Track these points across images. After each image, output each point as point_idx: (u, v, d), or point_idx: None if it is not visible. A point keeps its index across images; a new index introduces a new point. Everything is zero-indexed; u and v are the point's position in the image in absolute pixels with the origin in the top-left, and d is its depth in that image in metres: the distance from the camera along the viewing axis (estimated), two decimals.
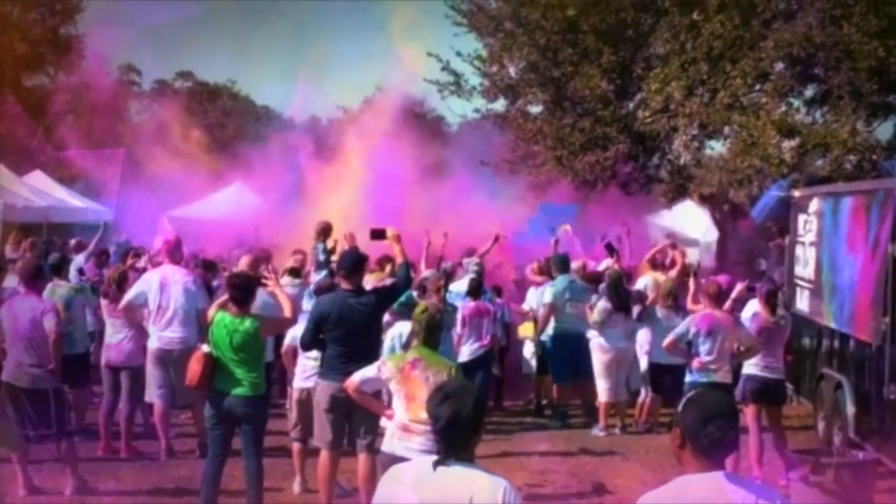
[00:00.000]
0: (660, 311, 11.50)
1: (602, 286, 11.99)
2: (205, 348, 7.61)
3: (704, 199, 22.75)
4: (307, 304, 9.50)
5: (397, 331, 9.14)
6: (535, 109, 22.32)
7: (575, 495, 8.87)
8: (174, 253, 10.24)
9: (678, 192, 21.95)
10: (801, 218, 11.67)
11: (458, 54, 21.57)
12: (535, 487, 8.79)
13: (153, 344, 9.78)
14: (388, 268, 11.05)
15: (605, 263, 13.42)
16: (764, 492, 3.34)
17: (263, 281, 8.29)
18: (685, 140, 21.32)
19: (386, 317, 8.83)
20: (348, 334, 7.66)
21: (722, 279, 11.47)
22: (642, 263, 13.27)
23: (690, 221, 22.27)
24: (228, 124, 42.44)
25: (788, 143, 19.63)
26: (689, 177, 22.71)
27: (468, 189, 17.39)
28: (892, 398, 8.54)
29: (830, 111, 19.81)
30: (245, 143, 23.40)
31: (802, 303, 11.45)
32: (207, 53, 79.37)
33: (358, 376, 6.62)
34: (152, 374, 9.77)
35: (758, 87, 20.21)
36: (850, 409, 9.35)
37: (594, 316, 11.62)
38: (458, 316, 11.23)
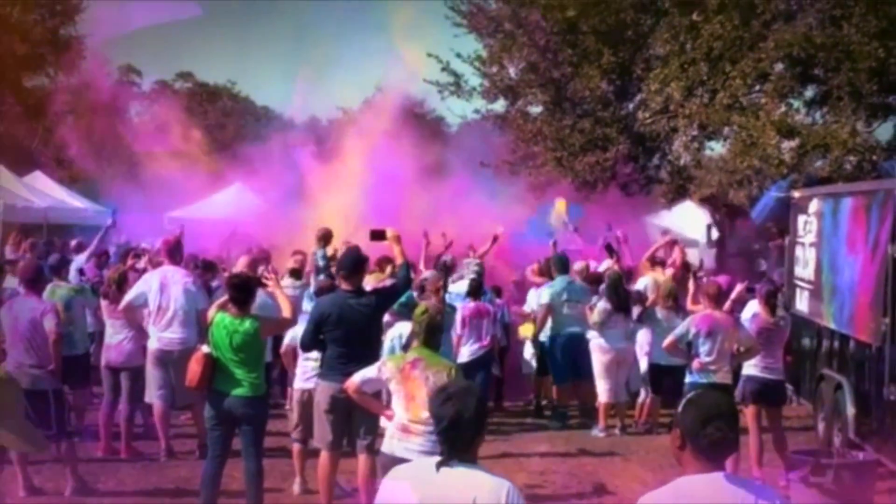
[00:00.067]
0: (660, 312, 11.50)
1: (602, 287, 11.99)
2: (205, 349, 7.61)
3: (705, 201, 22.79)
4: (307, 305, 9.51)
5: (397, 331, 9.15)
6: (535, 110, 22.36)
7: (575, 496, 8.87)
8: (174, 253, 10.24)
9: (678, 193, 21.98)
10: (801, 219, 11.68)
11: (458, 56, 21.62)
12: (535, 488, 8.79)
13: (153, 345, 9.78)
14: (388, 269, 11.05)
15: (606, 264, 13.43)
16: (764, 492, 3.34)
17: (264, 281, 8.29)
18: (685, 141, 21.37)
19: (386, 317, 8.83)
20: (348, 335, 7.66)
21: (722, 279, 11.47)
22: (642, 262, 13.28)
23: (690, 222, 22.28)
24: (228, 125, 42.47)
25: (788, 144, 19.66)
26: (689, 177, 22.75)
27: (468, 190, 17.39)
28: (892, 399, 8.54)
29: (830, 112, 19.85)
30: (245, 144, 23.39)
31: (802, 303, 11.45)
32: (207, 53, 79.41)
33: (358, 377, 6.63)
34: (152, 374, 9.77)
35: (757, 87, 20.23)
36: (850, 410, 9.35)
37: (594, 317, 11.62)
38: (458, 317, 11.23)
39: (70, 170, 29.17)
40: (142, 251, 12.49)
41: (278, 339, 9.44)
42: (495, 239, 13.48)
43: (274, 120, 37.69)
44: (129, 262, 11.83)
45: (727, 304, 9.30)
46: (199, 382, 7.54)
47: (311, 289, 11.06)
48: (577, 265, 13.06)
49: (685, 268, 12.59)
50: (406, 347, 7.89)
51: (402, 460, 5.36)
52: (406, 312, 8.54)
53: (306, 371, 8.59)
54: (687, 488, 3.27)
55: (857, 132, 19.15)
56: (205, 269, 11.77)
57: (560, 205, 17.20)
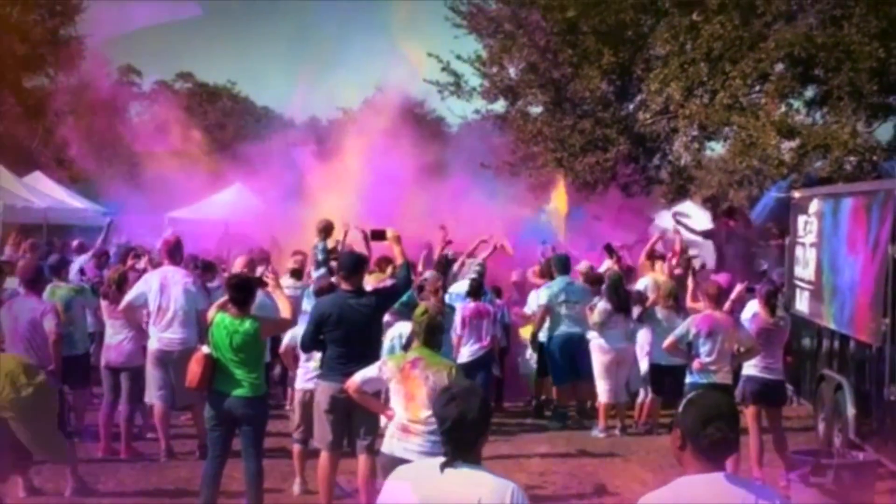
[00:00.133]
0: (660, 312, 11.50)
1: (603, 287, 12.00)
2: (205, 349, 7.61)
3: (706, 201, 22.81)
4: (307, 305, 9.50)
5: (397, 331, 9.14)
6: (535, 111, 22.36)
7: (575, 496, 8.86)
8: (174, 254, 10.23)
9: (678, 193, 21.98)
10: (801, 219, 11.67)
11: (458, 57, 21.63)
12: (535, 489, 8.78)
13: (153, 345, 9.78)
14: (388, 269, 11.05)
15: (606, 265, 13.43)
16: (764, 492, 3.34)
17: (265, 281, 8.28)
18: (685, 141, 21.37)
19: (386, 317, 8.83)
20: (348, 335, 7.66)
21: (722, 278, 11.48)
22: (641, 261, 13.28)
23: (691, 222, 22.29)
24: (228, 125, 42.47)
25: (788, 144, 19.67)
26: (690, 178, 22.75)
27: (468, 190, 17.40)
28: (892, 399, 8.54)
29: (830, 112, 19.84)
30: (245, 144, 23.39)
31: (802, 304, 11.45)
32: (207, 53, 79.46)
33: (359, 376, 6.63)
34: (152, 375, 9.77)
35: (758, 88, 20.23)
36: (851, 411, 9.34)
37: (594, 317, 11.62)
38: (458, 317, 11.23)
39: (70, 170, 29.18)
40: (142, 251, 12.47)
41: (277, 340, 9.44)
42: (495, 248, 13.48)
43: (274, 120, 37.68)
44: (129, 262, 11.83)
45: (727, 305, 9.30)
46: (199, 383, 7.53)
47: (313, 281, 11.10)
48: (582, 265, 13.07)
49: (686, 266, 12.60)
50: (406, 347, 7.89)
51: (401, 460, 5.37)
52: (407, 312, 8.54)
53: (308, 371, 8.59)
54: (687, 488, 3.26)
55: (857, 133, 19.16)
56: (204, 270, 11.77)
57: (560, 199, 17.26)
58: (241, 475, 7.76)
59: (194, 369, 7.53)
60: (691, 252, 14.53)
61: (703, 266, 15.11)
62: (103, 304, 10.13)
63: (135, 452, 9.79)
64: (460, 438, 3.53)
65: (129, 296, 9.78)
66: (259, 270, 10.39)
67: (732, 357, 9.05)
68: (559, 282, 12.15)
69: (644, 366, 11.84)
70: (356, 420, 7.61)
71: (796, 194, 12.40)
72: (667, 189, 22.34)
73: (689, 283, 11.34)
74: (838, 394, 9.75)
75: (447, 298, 11.24)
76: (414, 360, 6.42)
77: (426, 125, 32.70)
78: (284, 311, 7.87)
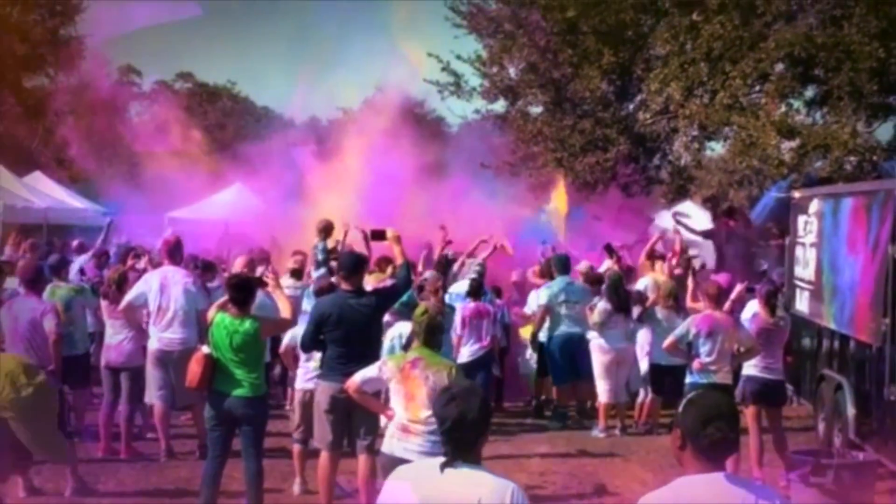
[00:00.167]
0: (660, 312, 11.50)
1: (603, 287, 12.00)
2: (205, 349, 7.61)
3: (706, 201, 22.82)
4: (307, 305, 9.50)
5: (397, 331, 9.14)
6: (536, 111, 22.36)
7: (575, 496, 8.86)
8: (174, 254, 10.23)
9: (678, 194, 21.98)
10: (802, 219, 11.67)
11: (458, 57, 21.63)
12: (535, 489, 8.78)
13: (153, 345, 9.78)
14: (388, 269, 11.05)
15: (606, 265, 13.43)
16: (764, 493, 3.35)
17: (265, 281, 8.28)
18: (685, 141, 21.37)
19: (386, 317, 8.83)
20: (348, 335, 7.66)
21: (722, 278, 11.48)
22: (641, 261, 13.28)
23: (691, 222, 22.30)
24: (228, 125, 42.48)
25: (788, 144, 19.66)
26: (690, 178, 22.74)
27: (468, 190, 17.40)
28: (892, 399, 8.54)
29: (830, 112, 19.83)
30: (245, 144, 23.41)
31: (802, 304, 11.45)
32: (207, 53, 79.47)
33: (359, 376, 6.63)
34: (152, 375, 9.77)
35: (758, 88, 20.23)
36: (851, 411, 9.34)
37: (594, 317, 11.62)
38: (458, 317, 11.24)
39: (70, 170, 29.18)
40: (142, 251, 12.48)
41: (277, 340, 9.44)
42: (495, 248, 13.49)
43: (274, 120, 37.70)
44: (129, 262, 11.83)
45: (727, 305, 9.30)
46: (199, 383, 7.53)
47: (313, 281, 11.08)
48: (582, 265, 13.07)
49: (686, 266, 12.60)
50: (406, 347, 7.90)
51: (401, 460, 5.37)
52: (407, 312, 8.54)
53: (308, 372, 8.59)
54: (687, 488, 3.26)
55: (857, 133, 19.15)
56: (204, 270, 11.77)
57: (560, 200, 17.26)
58: (241, 475, 7.76)
59: (194, 369, 7.53)
60: (691, 252, 14.53)
61: (703, 266, 15.11)
62: (103, 304, 10.13)
63: (135, 452, 9.79)
64: (460, 438, 3.53)
65: (130, 296, 9.78)
66: (259, 270, 10.40)
67: (732, 357, 9.05)
68: (559, 282, 12.15)
69: (644, 366, 11.84)
70: (356, 420, 7.61)
71: (796, 194, 12.40)
72: (667, 189, 22.34)
73: (689, 282, 11.34)
74: (838, 394, 9.75)
75: (447, 298, 11.25)
76: (414, 360, 6.43)
77: (426, 125, 32.72)
78: (284, 312, 7.87)
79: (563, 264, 12.41)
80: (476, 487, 3.48)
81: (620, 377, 11.73)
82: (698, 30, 19.51)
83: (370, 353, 7.48)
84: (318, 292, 9.00)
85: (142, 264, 11.63)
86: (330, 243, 12.98)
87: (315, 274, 12.21)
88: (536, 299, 12.43)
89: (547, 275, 12.75)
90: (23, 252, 13.99)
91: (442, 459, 3.54)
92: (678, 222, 15.96)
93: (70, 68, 30.72)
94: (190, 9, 23.09)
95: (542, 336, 12.24)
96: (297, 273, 12.34)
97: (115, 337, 9.94)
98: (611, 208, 18.42)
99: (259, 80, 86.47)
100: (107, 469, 9.25)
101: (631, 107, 21.86)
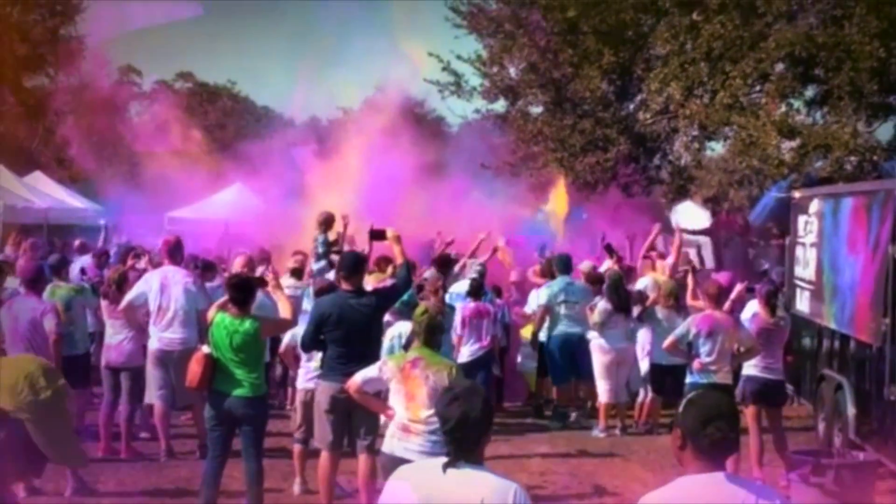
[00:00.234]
0: (661, 312, 11.49)
1: (604, 287, 12.00)
2: (205, 349, 7.61)
3: (707, 202, 22.83)
4: (307, 305, 9.49)
5: (396, 331, 9.14)
6: (536, 110, 22.37)
7: (575, 496, 8.86)
8: (174, 253, 10.23)
9: (679, 194, 21.98)
10: (802, 219, 11.67)
11: (459, 57, 21.64)
12: (536, 489, 8.77)
13: (153, 345, 9.77)
14: (388, 269, 11.04)
15: (606, 264, 13.43)
16: (764, 492, 3.34)
17: (265, 280, 8.28)
18: (685, 141, 21.37)
19: (387, 317, 8.83)
20: (348, 335, 7.66)
21: (723, 277, 11.48)
22: (641, 254, 13.28)
23: (692, 221, 22.31)
24: (228, 125, 42.49)
25: (788, 144, 19.66)
26: (690, 178, 22.73)
27: (468, 190, 17.40)
28: (892, 399, 8.54)
29: (831, 112, 19.83)
30: (245, 144, 23.43)
31: (803, 304, 11.45)
32: (207, 53, 79.48)
33: (360, 376, 6.63)
34: (152, 374, 9.77)
35: (758, 87, 20.23)
36: (851, 410, 9.34)
37: (594, 317, 11.62)
38: (458, 317, 11.24)
39: (70, 170, 29.19)
40: (142, 251, 12.47)
41: (276, 340, 9.44)
42: (494, 251, 13.50)
43: (274, 120, 37.71)
44: (130, 262, 11.83)
45: (727, 304, 9.30)
46: (199, 383, 7.53)
47: (313, 269, 11.06)
48: (584, 265, 13.07)
49: (686, 262, 12.60)
50: (406, 347, 7.90)
51: (402, 460, 5.37)
52: (407, 311, 8.55)
53: (309, 371, 8.59)
54: (688, 488, 3.26)
55: (858, 133, 19.15)
56: (204, 270, 11.77)
57: (559, 201, 17.26)
58: (242, 475, 7.76)
59: (194, 369, 7.53)
60: (689, 251, 14.53)
61: (702, 265, 15.11)
62: (103, 303, 10.13)
63: (135, 452, 9.79)
64: (463, 438, 3.53)
65: (130, 295, 9.78)
66: (259, 270, 10.40)
67: (732, 357, 9.05)
68: (559, 282, 12.15)
69: (644, 366, 11.84)
70: (356, 420, 7.61)
71: (796, 194, 12.40)
72: (667, 189, 22.33)
73: (689, 281, 11.33)
74: (838, 394, 9.75)
75: (447, 298, 11.25)
76: (414, 360, 6.43)
77: (426, 125, 32.73)
78: (284, 312, 7.87)
79: (565, 264, 12.41)
80: (478, 488, 3.47)
81: (621, 377, 11.73)
82: (698, 29, 19.50)
83: (370, 353, 7.48)
84: (319, 292, 9.00)
85: (142, 264, 11.63)
86: (331, 236, 12.96)
87: (315, 266, 12.22)
88: (536, 299, 12.43)
89: (548, 274, 12.76)
90: (23, 251, 13.99)
91: (444, 459, 3.54)
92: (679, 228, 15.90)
93: (70, 68, 30.71)
94: (193, 9, 23.11)
95: (542, 336, 12.24)
96: (298, 273, 12.33)
97: (116, 337, 9.94)
98: (611, 208, 18.40)
99: (259, 79, 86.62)
100: (107, 469, 9.24)
101: (631, 107, 21.86)
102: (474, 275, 12.20)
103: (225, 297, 7.78)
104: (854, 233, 9.75)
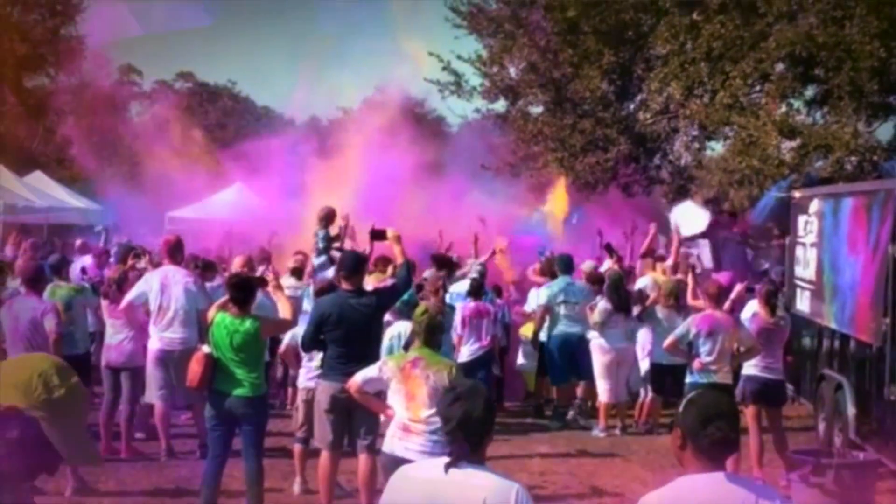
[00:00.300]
0: (661, 312, 11.49)
1: (604, 287, 12.00)
2: (205, 349, 7.61)
3: (707, 202, 22.80)
4: (308, 305, 9.50)
5: (396, 330, 9.14)
6: (536, 110, 22.37)
7: (575, 496, 8.86)
8: (175, 253, 10.23)
9: (679, 193, 21.96)
10: (802, 219, 11.67)
11: (459, 57, 21.65)
12: (536, 489, 8.77)
13: (154, 345, 9.78)
14: (388, 269, 11.04)
15: (606, 264, 13.43)
16: (764, 492, 3.34)
17: (265, 280, 8.29)
18: (686, 141, 21.37)
19: (387, 316, 8.84)
20: (349, 335, 7.66)
21: (723, 276, 11.48)
22: (642, 251, 13.27)
23: (692, 221, 22.26)
24: (229, 125, 42.51)
25: (789, 144, 19.65)
26: (690, 178, 22.73)
27: (468, 189, 17.39)
28: (892, 399, 8.54)
29: (831, 112, 19.82)
30: (245, 144, 23.44)
31: (803, 303, 11.45)
32: (207, 53, 79.51)
33: (360, 376, 6.63)
34: (153, 374, 9.77)
35: (758, 87, 20.22)
36: (851, 410, 9.34)
37: (594, 316, 11.62)
38: (458, 317, 11.24)
39: (71, 169, 29.20)
40: (142, 251, 12.48)
41: (276, 340, 9.43)
42: (494, 252, 13.50)
43: (274, 119, 37.73)
44: (130, 261, 11.83)
45: (727, 304, 9.30)
46: (199, 382, 7.54)
47: (314, 264, 11.02)
48: (586, 265, 13.07)
49: (686, 262, 12.61)
50: (407, 347, 7.90)
51: (402, 460, 5.37)
52: (407, 311, 8.55)
53: (310, 371, 8.59)
54: (688, 488, 3.26)
55: (858, 133, 19.14)
56: (205, 269, 11.78)
57: (559, 201, 17.25)
58: (242, 475, 7.76)
59: (195, 369, 7.53)
60: (688, 251, 14.53)
61: (701, 266, 15.09)
62: (104, 303, 10.13)
63: (135, 452, 9.79)
64: (465, 438, 3.53)
65: (130, 295, 9.78)
66: (259, 270, 10.40)
67: (732, 357, 9.05)
68: (559, 282, 12.15)
69: (644, 365, 11.84)
70: (356, 420, 7.61)
71: (796, 194, 12.39)
72: (667, 189, 22.33)
73: (689, 280, 11.34)
74: (838, 393, 9.75)
75: (447, 298, 11.25)
76: (414, 360, 6.43)
77: (426, 125, 32.75)
78: (284, 312, 7.87)
79: (566, 264, 12.40)
80: (480, 488, 3.47)
81: (621, 377, 11.73)
82: (699, 29, 19.50)
83: (370, 352, 7.49)
84: (319, 292, 9.01)
85: (142, 264, 11.62)
86: (332, 231, 12.96)
87: (316, 262, 12.22)
88: (536, 298, 12.43)
89: (548, 273, 12.75)
90: (22, 251, 14.00)
91: (446, 459, 3.53)
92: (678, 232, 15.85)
93: (70, 68, 30.73)
94: (201, 18, 23.12)
95: (542, 336, 12.24)
96: (298, 273, 12.33)
97: (116, 336, 9.94)
98: (610, 208, 18.40)
99: (259, 79, 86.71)
100: (107, 469, 9.22)
101: (631, 107, 21.86)
102: (474, 275, 12.21)
103: (225, 297, 7.79)
104: (854, 233, 9.75)
